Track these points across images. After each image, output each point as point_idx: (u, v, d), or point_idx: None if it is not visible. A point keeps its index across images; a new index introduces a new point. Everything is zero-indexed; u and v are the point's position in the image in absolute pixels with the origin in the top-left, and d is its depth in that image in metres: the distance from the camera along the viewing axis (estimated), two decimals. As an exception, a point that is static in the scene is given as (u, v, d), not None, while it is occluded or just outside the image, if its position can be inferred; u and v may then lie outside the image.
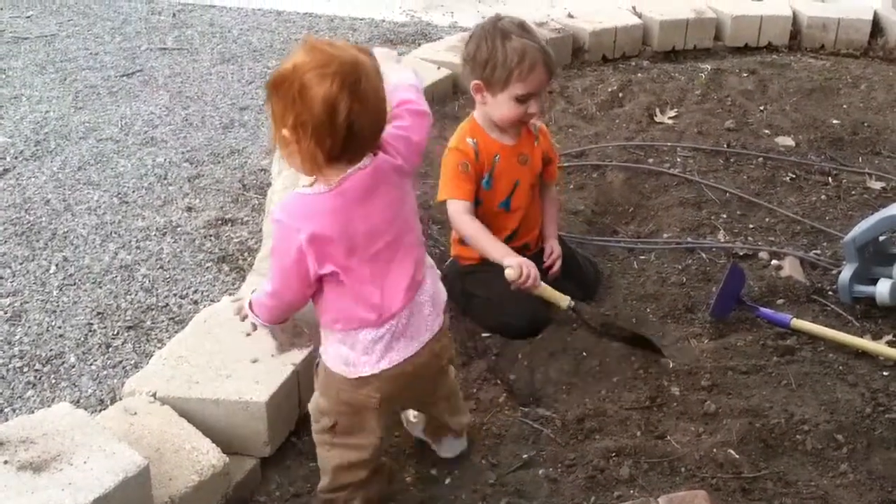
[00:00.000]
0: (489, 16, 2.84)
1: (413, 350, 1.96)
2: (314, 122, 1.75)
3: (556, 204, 3.09)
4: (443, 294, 2.06)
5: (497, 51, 2.66)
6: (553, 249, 2.95)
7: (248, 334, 2.37)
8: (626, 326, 2.78)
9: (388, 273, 1.91)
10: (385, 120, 1.88)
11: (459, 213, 2.77)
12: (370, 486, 2.09)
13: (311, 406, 2.08)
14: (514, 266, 2.65)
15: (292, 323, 2.36)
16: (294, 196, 1.87)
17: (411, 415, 2.34)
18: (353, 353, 1.93)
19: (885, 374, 2.64)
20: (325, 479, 2.10)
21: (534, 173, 2.90)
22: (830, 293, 3.05)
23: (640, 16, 5.51)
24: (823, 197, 3.71)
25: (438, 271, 2.11)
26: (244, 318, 2.15)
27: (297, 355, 2.37)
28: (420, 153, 2.00)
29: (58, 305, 3.07)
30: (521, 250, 2.90)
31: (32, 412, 2.21)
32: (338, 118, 1.75)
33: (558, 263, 2.93)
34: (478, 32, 2.76)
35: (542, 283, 2.72)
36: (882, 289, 2.88)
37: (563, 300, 2.75)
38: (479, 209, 2.85)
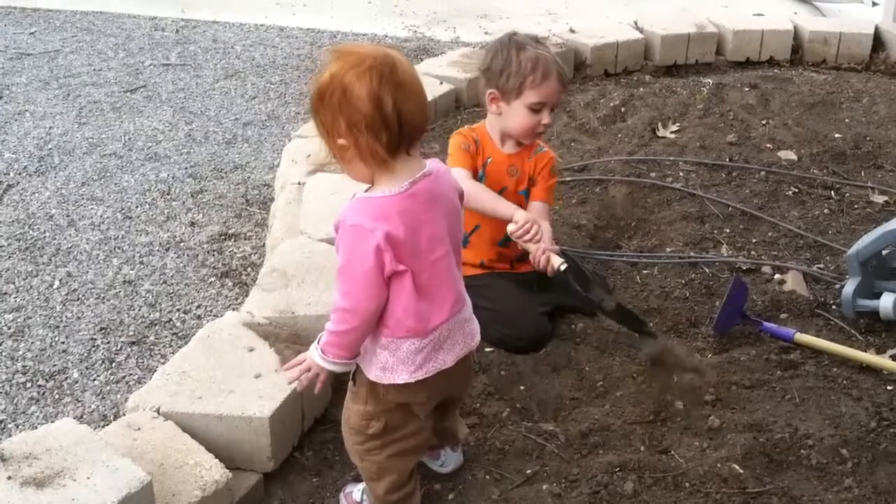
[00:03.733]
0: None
1: (449, 363, 1.99)
2: (366, 119, 1.79)
3: (544, 220, 2.85)
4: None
5: (512, 60, 2.75)
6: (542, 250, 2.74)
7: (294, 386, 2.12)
8: (616, 309, 2.78)
9: (440, 284, 1.94)
10: (427, 102, 1.90)
11: (463, 178, 2.78)
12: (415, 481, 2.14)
13: (353, 420, 2.05)
14: (520, 219, 2.69)
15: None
16: (365, 200, 1.87)
17: None
18: (392, 360, 1.94)
19: (889, 388, 2.63)
20: (381, 484, 2.07)
21: (520, 188, 2.93)
22: (834, 307, 3.05)
23: (641, 30, 5.53)
24: (826, 211, 3.71)
25: None
26: (307, 376, 1.97)
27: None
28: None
29: (61, 321, 3.07)
30: (522, 258, 2.91)
31: (35, 428, 2.21)
32: (386, 109, 1.79)
33: (552, 260, 2.72)
34: (493, 45, 2.85)
35: (541, 245, 2.71)
36: (886, 303, 2.88)
37: (557, 261, 2.69)
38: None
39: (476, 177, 2.89)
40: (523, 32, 2.89)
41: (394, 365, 1.94)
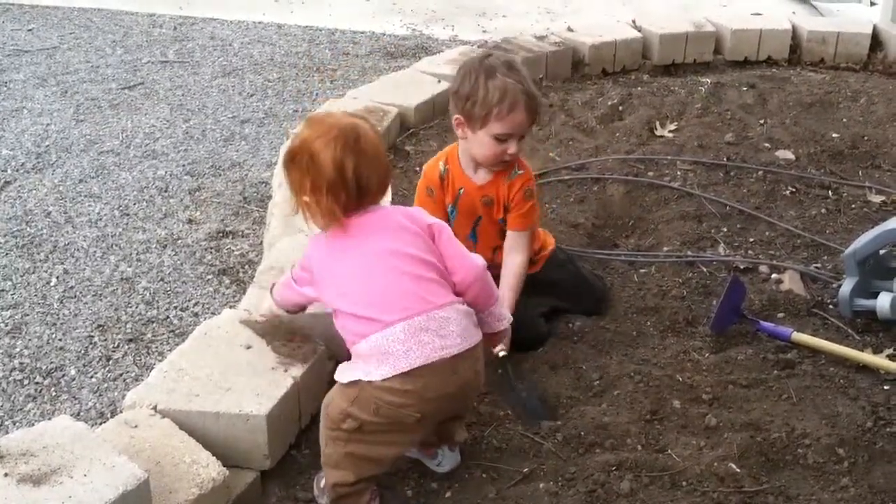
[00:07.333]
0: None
1: (402, 368, 2.01)
2: (328, 182, 2.05)
3: (515, 270, 2.78)
4: (470, 329, 2.12)
5: (479, 88, 2.63)
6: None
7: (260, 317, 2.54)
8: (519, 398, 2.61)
9: (382, 294, 2.06)
10: (388, 168, 2.16)
11: None
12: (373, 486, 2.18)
13: (332, 410, 2.10)
14: None
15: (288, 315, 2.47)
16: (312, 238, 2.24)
17: None
18: (353, 359, 2.09)
19: (885, 387, 2.64)
20: (335, 473, 2.12)
21: (497, 216, 2.84)
22: (831, 307, 3.05)
23: (639, 29, 5.53)
24: (823, 210, 3.72)
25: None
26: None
27: (298, 368, 2.37)
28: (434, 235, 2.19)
29: (58, 318, 3.07)
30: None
31: (32, 425, 2.20)
32: (346, 174, 2.04)
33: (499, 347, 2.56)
34: (465, 67, 2.73)
35: None
36: (882, 302, 2.88)
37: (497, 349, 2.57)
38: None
39: (445, 214, 2.83)
40: (499, 54, 2.78)
41: (352, 365, 2.07)
